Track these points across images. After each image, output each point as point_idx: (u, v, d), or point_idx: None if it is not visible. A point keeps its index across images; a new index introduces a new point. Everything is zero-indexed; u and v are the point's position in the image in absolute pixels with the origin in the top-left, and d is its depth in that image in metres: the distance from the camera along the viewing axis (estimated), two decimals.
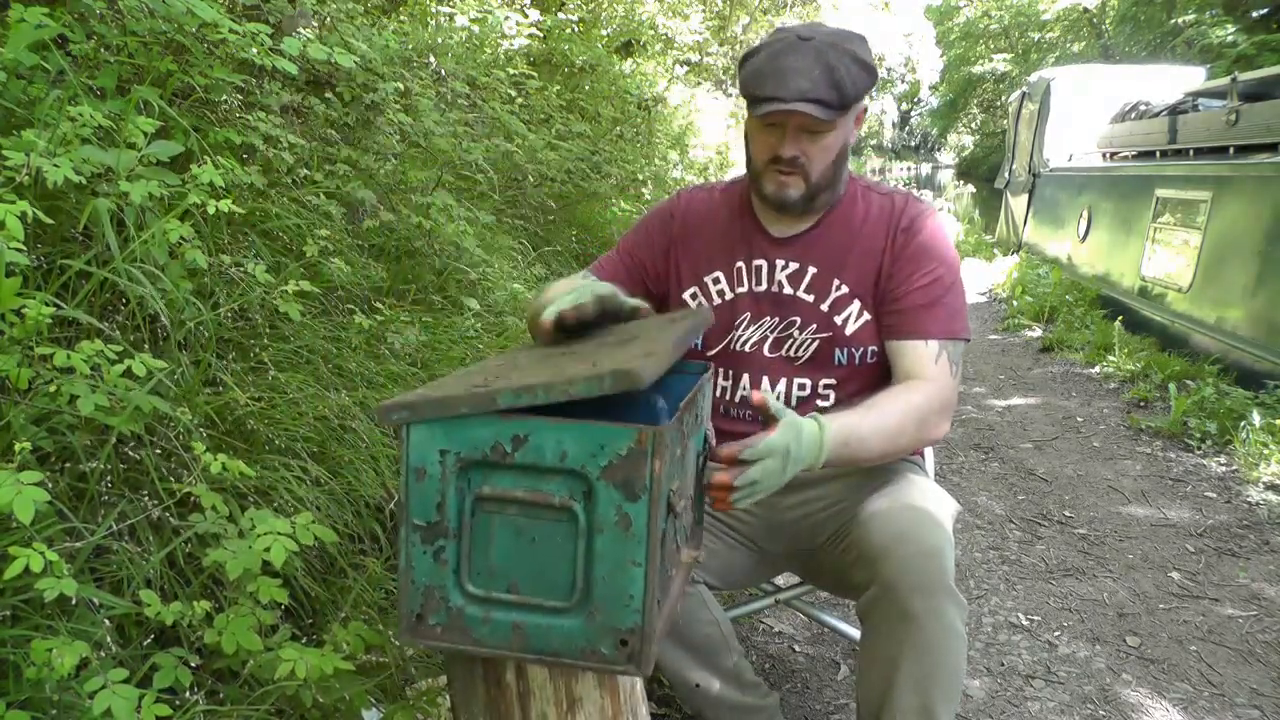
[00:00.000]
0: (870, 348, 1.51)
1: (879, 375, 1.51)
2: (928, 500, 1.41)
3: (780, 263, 1.53)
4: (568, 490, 0.91)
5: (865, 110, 1.50)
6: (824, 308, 1.51)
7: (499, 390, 0.90)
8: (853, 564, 1.38)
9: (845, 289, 1.50)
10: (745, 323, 1.54)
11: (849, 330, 1.50)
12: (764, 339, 1.54)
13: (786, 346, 1.53)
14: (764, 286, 1.54)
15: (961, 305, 1.49)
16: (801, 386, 1.53)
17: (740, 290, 1.55)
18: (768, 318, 1.54)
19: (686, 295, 1.58)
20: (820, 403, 1.52)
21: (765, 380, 1.53)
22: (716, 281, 1.56)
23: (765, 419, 1.19)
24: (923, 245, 1.48)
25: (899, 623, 1.27)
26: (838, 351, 1.51)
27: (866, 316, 1.50)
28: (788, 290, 1.52)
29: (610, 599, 0.91)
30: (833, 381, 1.52)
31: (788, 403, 1.54)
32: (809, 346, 1.52)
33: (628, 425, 0.89)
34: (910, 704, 1.28)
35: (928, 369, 1.43)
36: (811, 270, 1.52)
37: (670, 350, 1.01)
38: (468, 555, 0.94)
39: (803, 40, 1.37)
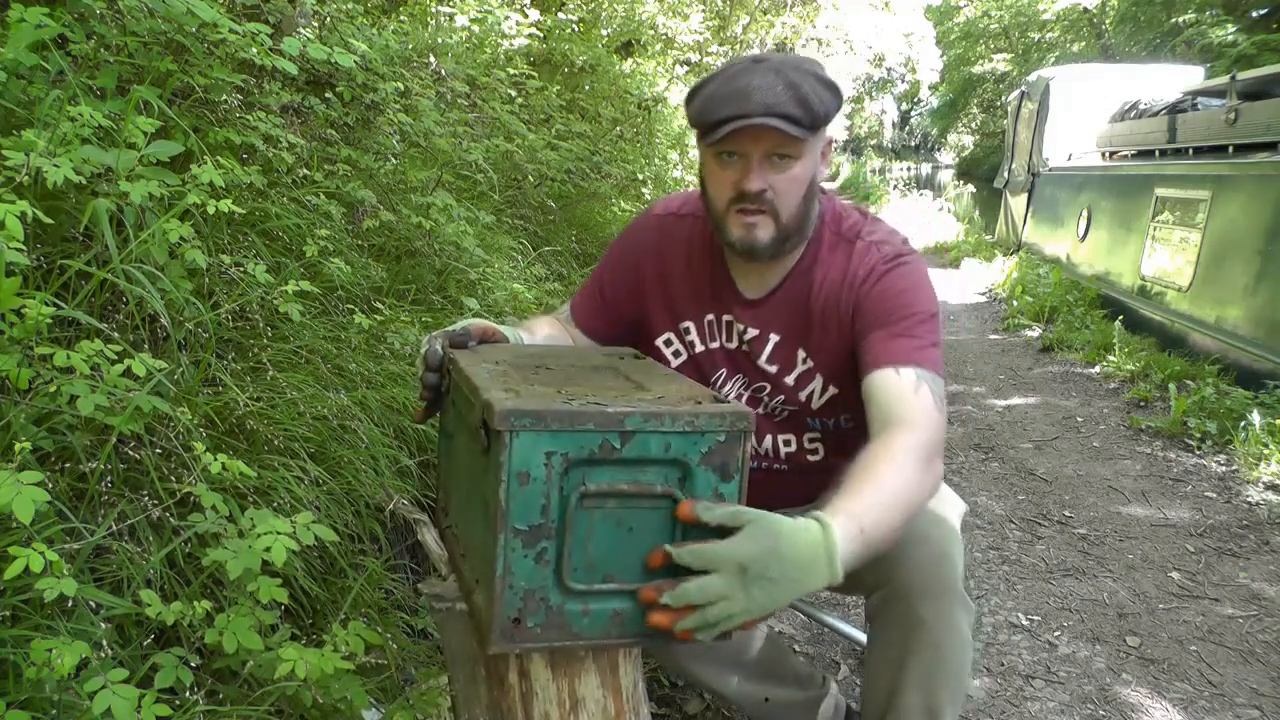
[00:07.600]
0: (842, 417, 1.44)
1: (864, 429, 1.31)
2: (939, 502, 1.38)
3: (741, 327, 1.43)
4: (665, 478, 0.95)
5: (831, 144, 1.36)
6: (789, 380, 1.43)
7: (626, 414, 0.93)
8: (863, 565, 1.38)
9: (810, 364, 1.41)
10: (722, 379, 1.47)
11: (815, 405, 1.44)
12: (741, 395, 1.47)
13: (762, 405, 1.47)
14: (734, 344, 1.45)
15: (937, 343, 1.33)
16: (786, 441, 1.48)
17: (713, 345, 1.46)
18: (740, 375, 1.46)
19: (659, 342, 1.48)
20: (810, 457, 1.49)
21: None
22: (688, 332, 1.47)
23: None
24: (885, 291, 1.35)
25: (908, 626, 1.27)
26: (809, 419, 1.46)
27: (833, 391, 1.41)
28: (751, 356, 1.45)
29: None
30: (816, 436, 1.47)
31: (775, 459, 1.49)
32: (781, 412, 1.46)
33: (723, 413, 0.95)
34: (915, 704, 1.29)
35: (907, 403, 1.22)
36: (773, 339, 1.42)
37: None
38: (568, 553, 0.94)
39: (757, 63, 1.26)
